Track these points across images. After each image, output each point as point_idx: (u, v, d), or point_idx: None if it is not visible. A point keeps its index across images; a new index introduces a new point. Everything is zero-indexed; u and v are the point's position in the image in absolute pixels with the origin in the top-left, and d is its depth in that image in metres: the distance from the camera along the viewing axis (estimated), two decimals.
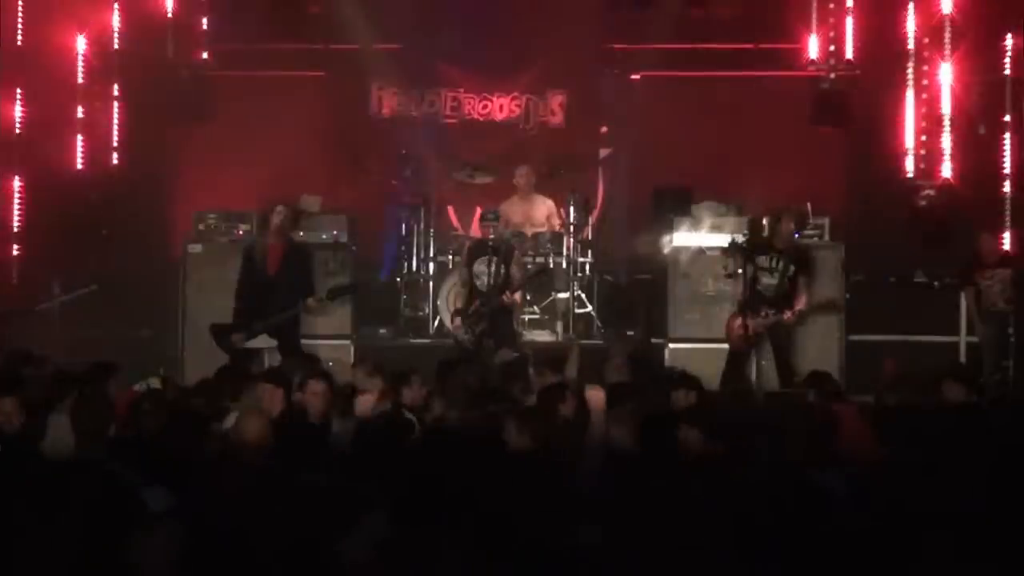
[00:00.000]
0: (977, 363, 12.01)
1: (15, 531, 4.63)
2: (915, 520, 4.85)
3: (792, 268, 11.27)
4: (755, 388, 10.62)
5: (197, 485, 5.51)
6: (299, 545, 4.54)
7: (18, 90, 13.26)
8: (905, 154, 13.65)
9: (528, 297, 13.09)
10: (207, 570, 4.48)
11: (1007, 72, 13.22)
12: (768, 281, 11.26)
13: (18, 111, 13.25)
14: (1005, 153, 13.25)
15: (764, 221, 11.82)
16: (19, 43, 13.29)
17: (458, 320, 11.93)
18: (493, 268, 11.78)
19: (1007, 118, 13.21)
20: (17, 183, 13.32)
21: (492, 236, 12.01)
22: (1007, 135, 13.23)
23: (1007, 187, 13.18)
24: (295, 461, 6.13)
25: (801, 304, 11.26)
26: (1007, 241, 12.79)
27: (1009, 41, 13.27)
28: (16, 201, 13.31)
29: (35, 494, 4.89)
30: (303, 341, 11.50)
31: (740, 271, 11.27)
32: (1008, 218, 12.99)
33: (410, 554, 4.52)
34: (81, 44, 13.82)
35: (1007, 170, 13.22)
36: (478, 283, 11.85)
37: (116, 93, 14.12)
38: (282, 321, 10.98)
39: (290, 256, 11.16)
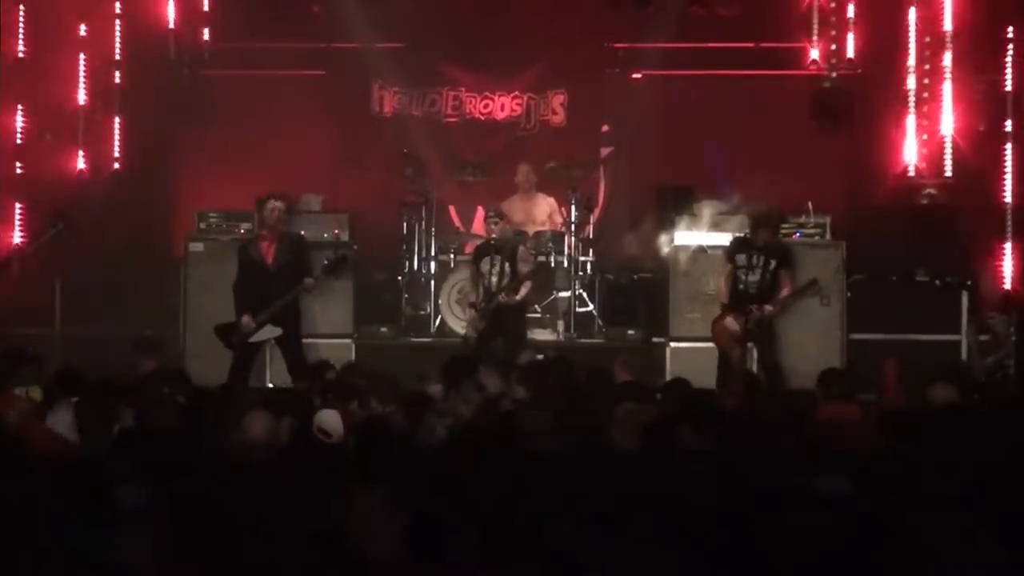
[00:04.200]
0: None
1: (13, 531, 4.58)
2: (917, 522, 4.84)
3: (773, 263, 11.37)
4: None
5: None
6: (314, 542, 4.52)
7: (20, 101, 13.27)
8: (906, 153, 13.64)
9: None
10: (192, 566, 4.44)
11: (1008, 75, 13.19)
12: (750, 279, 11.34)
13: (20, 114, 13.25)
14: (1006, 162, 13.21)
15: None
16: (21, 43, 13.29)
17: (470, 316, 12.06)
18: (497, 267, 11.84)
19: (1008, 127, 13.20)
20: (19, 183, 13.34)
21: (495, 235, 12.06)
22: (1008, 144, 13.20)
23: (1008, 197, 13.16)
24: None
25: (784, 294, 11.38)
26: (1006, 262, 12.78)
27: (1011, 40, 13.27)
28: (17, 203, 13.30)
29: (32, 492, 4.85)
30: (304, 340, 11.57)
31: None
32: (1009, 229, 12.97)
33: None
34: (82, 45, 13.82)
35: (1008, 180, 13.19)
36: (484, 282, 11.93)
37: (118, 94, 14.14)
38: (284, 308, 11.20)
39: (285, 247, 11.35)
